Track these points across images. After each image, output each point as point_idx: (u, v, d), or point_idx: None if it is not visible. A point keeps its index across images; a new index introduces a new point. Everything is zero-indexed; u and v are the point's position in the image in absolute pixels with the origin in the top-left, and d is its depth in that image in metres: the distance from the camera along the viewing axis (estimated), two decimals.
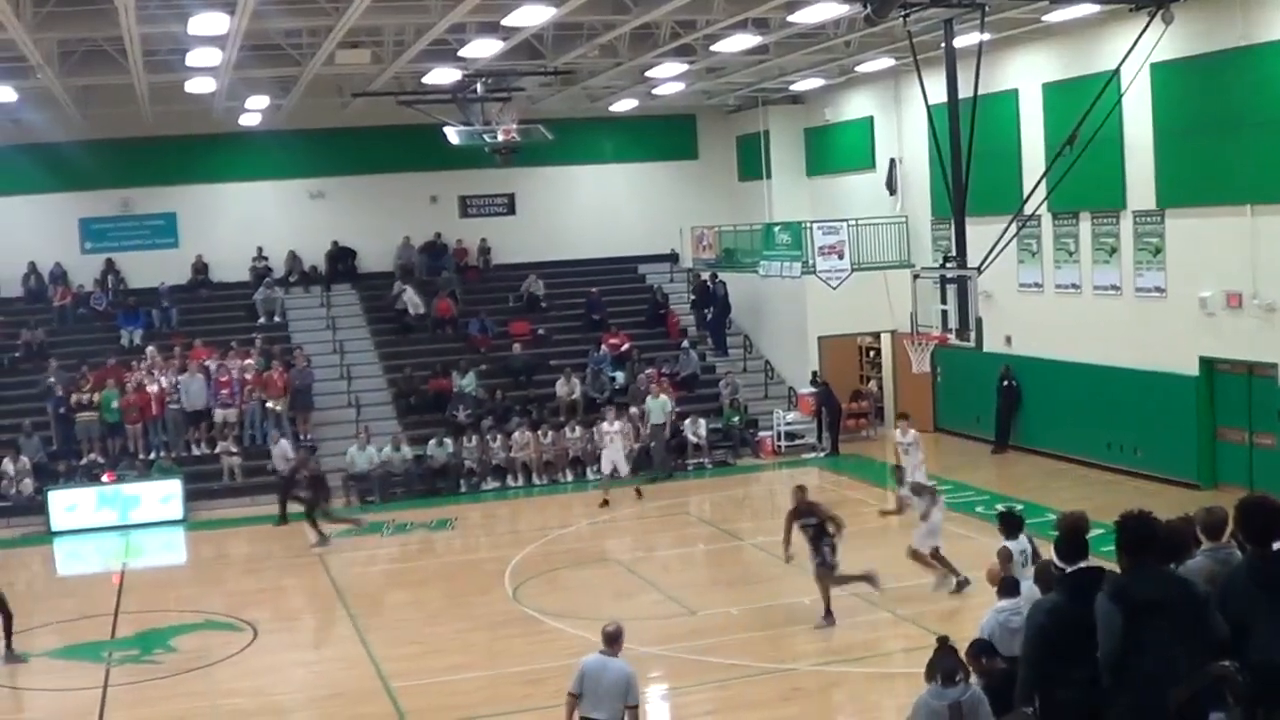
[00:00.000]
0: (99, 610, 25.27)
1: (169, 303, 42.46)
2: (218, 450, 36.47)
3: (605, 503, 32.42)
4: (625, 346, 41.31)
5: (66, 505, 33.35)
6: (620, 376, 39.75)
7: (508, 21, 27.18)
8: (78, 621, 24.64)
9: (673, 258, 47.10)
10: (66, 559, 32.00)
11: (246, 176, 44.16)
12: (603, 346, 41.05)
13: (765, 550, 26.57)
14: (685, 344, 41.80)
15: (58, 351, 39.49)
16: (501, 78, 33.86)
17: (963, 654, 12.57)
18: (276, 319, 42.60)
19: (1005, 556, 16.77)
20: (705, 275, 44.55)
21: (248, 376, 37.63)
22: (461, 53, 30.71)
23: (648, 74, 36.73)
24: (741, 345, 43.45)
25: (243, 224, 44.16)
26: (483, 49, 30.02)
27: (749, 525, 30.56)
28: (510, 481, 36.04)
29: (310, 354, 39.64)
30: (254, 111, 39.17)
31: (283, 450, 33.73)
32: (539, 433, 36.62)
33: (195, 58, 29.24)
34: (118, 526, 33.07)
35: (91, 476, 34.65)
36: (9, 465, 34.56)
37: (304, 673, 21.37)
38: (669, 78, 37.46)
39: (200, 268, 44.05)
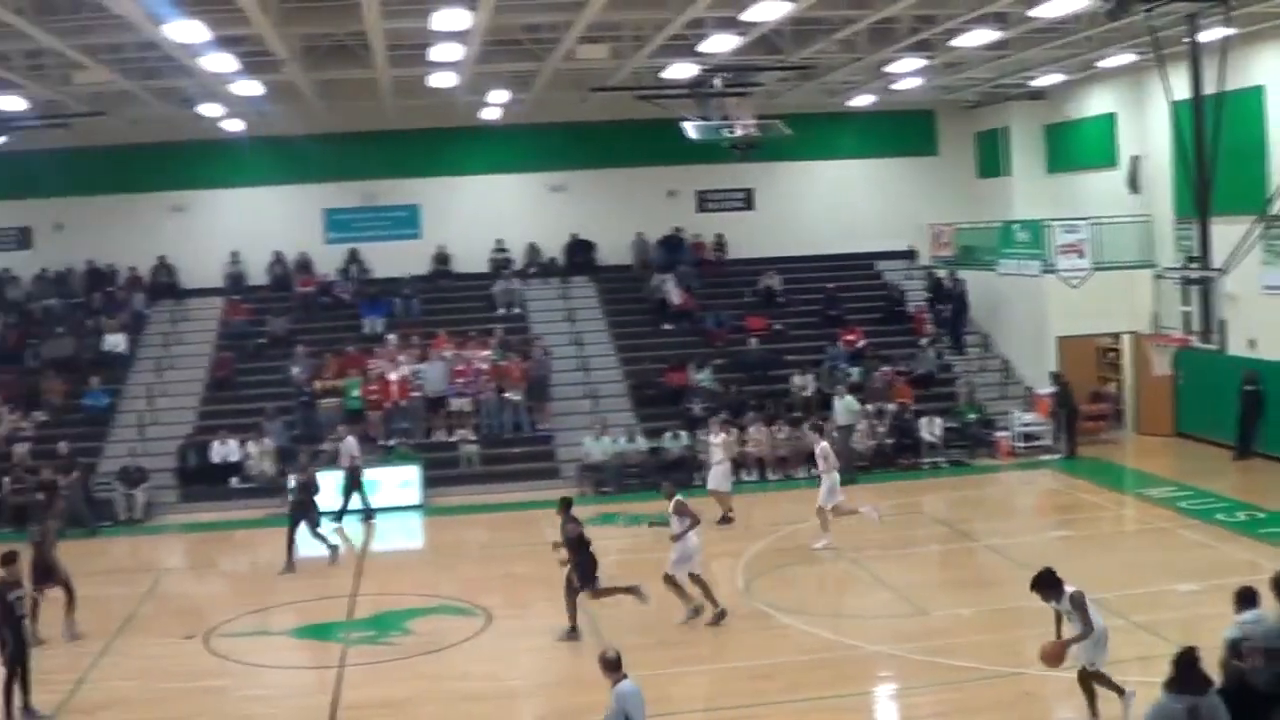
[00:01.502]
0: (337, 592, 25.89)
1: (410, 292, 43.21)
2: (456, 438, 37.02)
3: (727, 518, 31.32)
4: (861, 343, 41.04)
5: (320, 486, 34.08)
6: (856, 373, 39.46)
7: (746, 16, 27.18)
8: (316, 602, 25.19)
9: (910, 254, 46.69)
10: (307, 541, 32.66)
11: (487, 169, 44.86)
12: (838, 343, 40.83)
13: (999, 553, 26.29)
14: (922, 341, 41.38)
15: (302, 339, 40.48)
16: (740, 73, 33.83)
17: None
18: (515, 310, 43.15)
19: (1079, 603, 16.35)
20: (943, 272, 44.13)
21: (485, 366, 38.12)
22: (700, 48, 30.78)
23: (886, 69, 36.48)
24: (979, 343, 42.89)
25: (483, 216, 44.81)
26: (721, 44, 30.05)
27: (983, 526, 30.17)
28: (744, 476, 36.01)
29: (548, 345, 40.08)
30: (495, 105, 39.71)
31: (349, 448, 34.07)
32: (773, 428, 36.54)
33: (437, 52, 29.69)
34: (358, 511, 33.70)
35: (333, 461, 35.34)
36: (253, 447, 35.50)
37: (534, 659, 21.58)
38: (908, 73, 37.13)
39: (441, 258, 44.76)
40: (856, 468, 35.53)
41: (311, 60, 32.03)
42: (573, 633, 22.27)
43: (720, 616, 22.77)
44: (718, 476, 31.38)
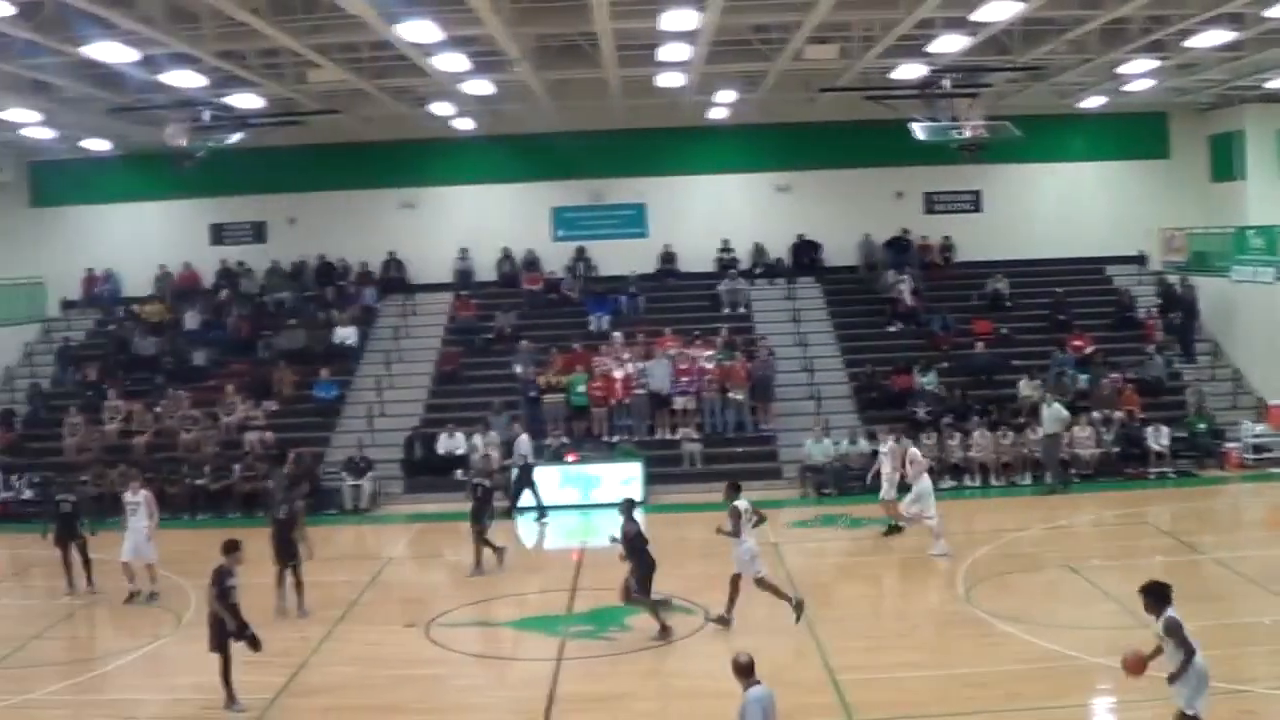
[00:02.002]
0: (558, 585, 26.15)
1: (636, 290, 43.46)
2: (679, 436, 37.12)
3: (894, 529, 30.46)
4: (1089, 349, 40.35)
5: (544, 481, 34.61)
6: (1084, 379, 38.80)
7: (976, 16, 26.94)
8: (537, 595, 25.44)
9: (1140, 259, 45.72)
10: (529, 534, 33.06)
11: (714, 169, 44.93)
12: (1066, 348, 40.20)
13: (1226, 566, 25.69)
14: (1151, 348, 40.55)
15: (528, 335, 40.90)
16: (969, 73, 33.47)
17: None
18: (740, 310, 43.13)
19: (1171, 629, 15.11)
20: (1174, 278, 43.23)
21: (709, 365, 38.17)
22: (929, 48, 30.59)
23: (1118, 70, 35.85)
24: (1209, 351, 41.88)
25: (709, 215, 44.99)
26: (951, 44, 29.81)
27: (1210, 539, 29.38)
28: (967, 481, 35.66)
29: (772, 346, 39.99)
30: (722, 105, 39.77)
31: (521, 446, 34.57)
32: (998, 433, 36.10)
33: (666, 52, 29.85)
34: (579, 505, 34.01)
35: (556, 456, 35.69)
36: (478, 440, 35.89)
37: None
38: (1140, 74, 36.46)
39: (667, 257, 44.94)
40: (1083, 476, 35.09)
41: (542, 60, 32.38)
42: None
43: (725, 622, 23.08)
44: (886, 487, 30.68)
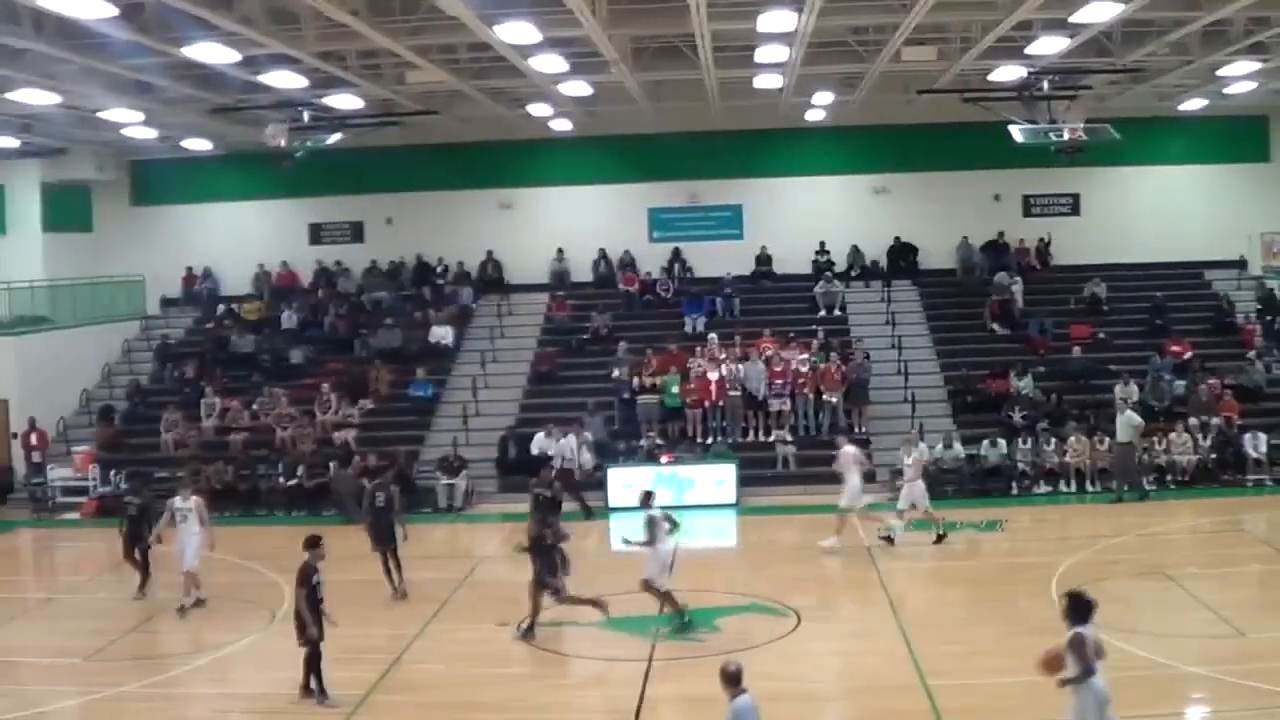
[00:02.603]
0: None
1: (732, 292, 43.47)
2: (773, 439, 37.06)
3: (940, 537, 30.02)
4: (1187, 354, 39.93)
5: (624, 483, 34.54)
6: (1181, 385, 38.39)
7: (1076, 18, 26.79)
8: (628, 595, 25.42)
9: (1240, 264, 45.20)
10: (621, 534, 33.07)
11: (810, 171, 44.89)
12: (1164, 353, 39.79)
13: None
14: (1250, 354, 40.07)
15: (624, 336, 40.99)
16: (1069, 75, 33.28)
17: None
18: (836, 312, 43.03)
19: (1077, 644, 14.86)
20: (1274, 283, 42.72)
21: (804, 368, 38.06)
22: (1028, 50, 30.39)
23: (1218, 73, 35.50)
24: None
25: (806, 218, 44.98)
26: (1050, 46, 29.61)
27: None
28: (1063, 487, 35.38)
29: (868, 349, 39.84)
30: (819, 107, 39.73)
31: (565, 449, 35.06)
32: (1094, 439, 35.77)
33: (764, 54, 29.86)
34: (672, 506, 33.93)
35: (650, 456, 35.73)
36: (572, 440, 35.97)
37: (842, 662, 21.50)
38: (1240, 76, 36.09)
39: (763, 259, 44.93)
40: (1179, 482, 34.80)
41: (639, 61, 32.45)
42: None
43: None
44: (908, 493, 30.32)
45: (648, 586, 23.56)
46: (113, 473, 37.28)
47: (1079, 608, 15.03)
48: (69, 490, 37.10)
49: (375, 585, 25.86)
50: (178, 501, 26.04)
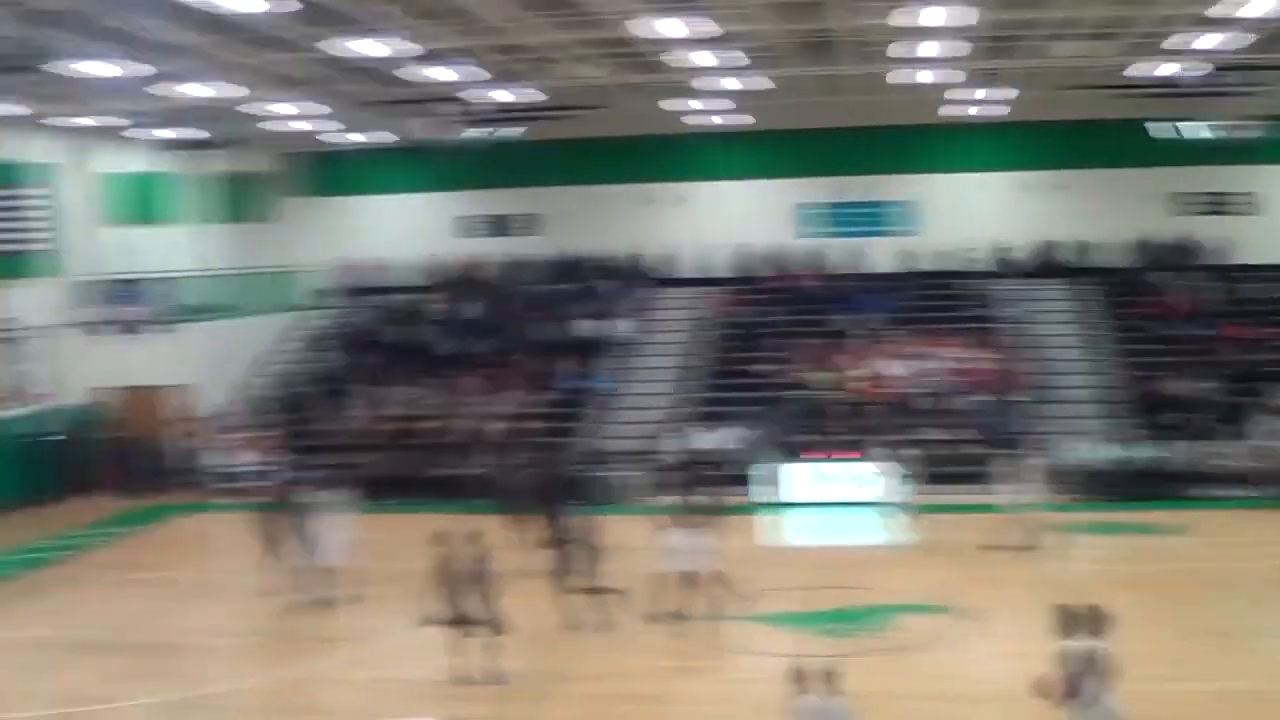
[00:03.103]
0: (822, 583, 26.16)
1: (897, 290, 43.43)
2: (949, 437, 36.67)
3: None
4: None
5: (789, 480, 34.63)
6: None
7: (1244, 12, 26.31)
8: (801, 591, 25.43)
9: None
10: (797, 530, 33.03)
11: (978, 167, 45.21)
12: None
13: None
14: None
15: (789, 331, 41.27)
16: (1249, 72, 32.64)
17: None
18: (1008, 310, 42.52)
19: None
20: None
21: (976, 366, 37.72)
22: (1205, 45, 29.91)
23: None
24: None
25: (976, 213, 45.10)
26: (1230, 42, 29.12)
27: None
28: (1242, 491, 34.51)
29: (1042, 347, 39.93)
30: (985, 102, 39.39)
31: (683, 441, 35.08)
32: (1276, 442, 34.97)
33: (925, 49, 29.69)
34: (848, 503, 33.90)
35: (828, 453, 35.55)
36: (734, 435, 36.02)
37: (1008, 665, 21.16)
38: None
39: (933, 256, 44.62)
40: None
41: (798, 56, 32.28)
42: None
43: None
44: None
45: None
46: (288, 459, 37.85)
47: (1069, 621, 15.06)
48: (243, 475, 37.70)
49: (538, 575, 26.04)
50: (329, 495, 26.28)
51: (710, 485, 30.96)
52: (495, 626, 20.37)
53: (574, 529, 24.64)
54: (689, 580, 23.54)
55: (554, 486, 29.68)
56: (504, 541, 24.74)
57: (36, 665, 22.32)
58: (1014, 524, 28.63)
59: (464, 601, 20.40)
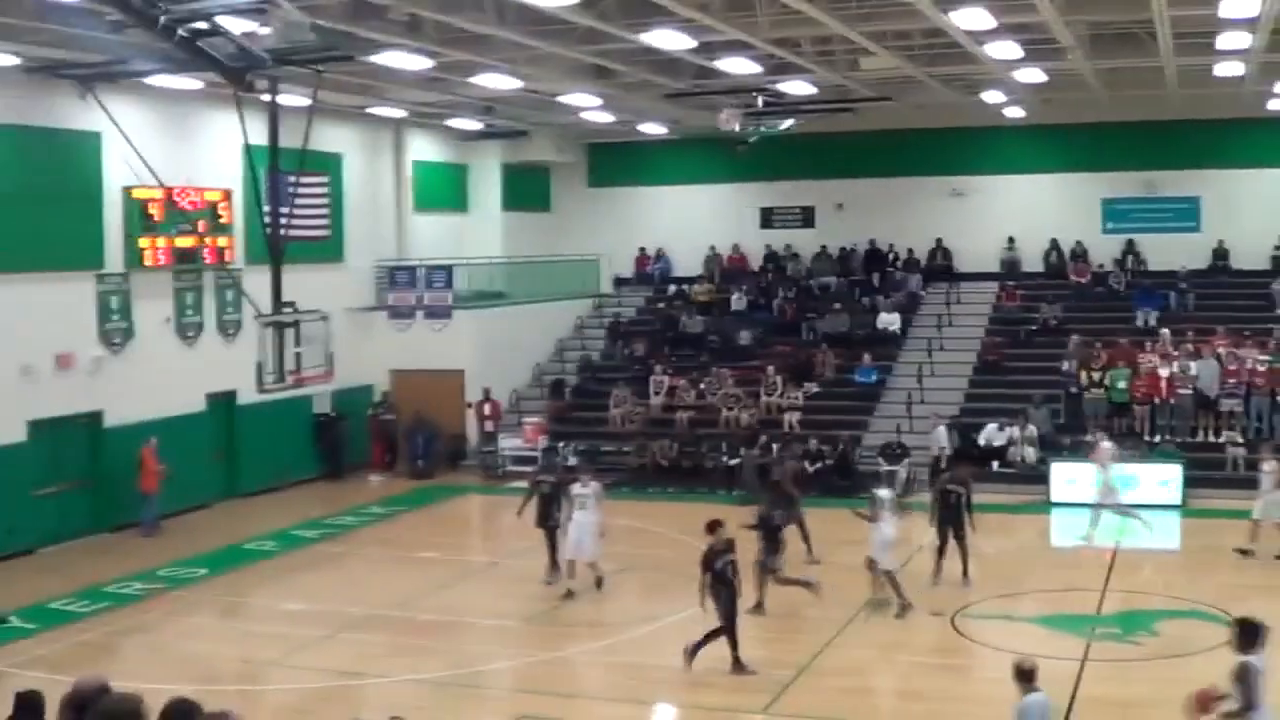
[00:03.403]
0: (1087, 585, 25.61)
1: (1186, 286, 42.19)
2: (1223, 439, 35.84)
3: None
4: None
5: (1067, 478, 33.97)
6: None
7: None
8: (1065, 593, 25.08)
9: None
10: (1062, 530, 32.54)
11: (1271, 163, 42.91)
12: None
13: None
14: None
15: (1074, 328, 40.20)
16: None
17: None
18: None
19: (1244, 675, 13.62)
20: None
21: (1259, 368, 36.69)
22: None
23: None
24: None
25: (1265, 211, 43.03)
26: None
27: None
28: None
29: None
30: None
31: (939, 438, 34.91)
32: None
33: (1225, 41, 28.86)
34: (1115, 505, 33.27)
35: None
36: (1016, 432, 35.57)
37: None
38: None
39: (1220, 253, 43.50)
40: None
41: (1096, 48, 31.74)
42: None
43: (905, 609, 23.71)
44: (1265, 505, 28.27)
45: (870, 565, 24.17)
46: (561, 444, 38.45)
47: (1249, 634, 14.07)
48: (518, 459, 38.40)
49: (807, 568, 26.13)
50: (577, 488, 25.96)
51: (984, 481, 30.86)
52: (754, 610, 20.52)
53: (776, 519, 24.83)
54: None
55: (782, 478, 29.72)
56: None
57: (305, 639, 22.99)
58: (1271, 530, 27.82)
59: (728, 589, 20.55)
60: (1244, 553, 27.86)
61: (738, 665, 20.19)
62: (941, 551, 26.16)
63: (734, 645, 20.28)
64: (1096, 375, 37.31)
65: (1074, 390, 37.65)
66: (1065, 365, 38.19)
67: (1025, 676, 14.16)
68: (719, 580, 20.32)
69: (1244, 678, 13.66)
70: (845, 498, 33.78)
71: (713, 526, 20.94)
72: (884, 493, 25.26)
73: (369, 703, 19.38)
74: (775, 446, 35.86)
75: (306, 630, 23.47)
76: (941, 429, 35.54)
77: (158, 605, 25.49)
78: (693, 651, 20.29)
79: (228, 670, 21.43)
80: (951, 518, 26.21)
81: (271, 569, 28.83)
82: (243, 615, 25.74)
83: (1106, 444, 31.11)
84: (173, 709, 8.68)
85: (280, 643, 22.72)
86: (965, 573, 25.99)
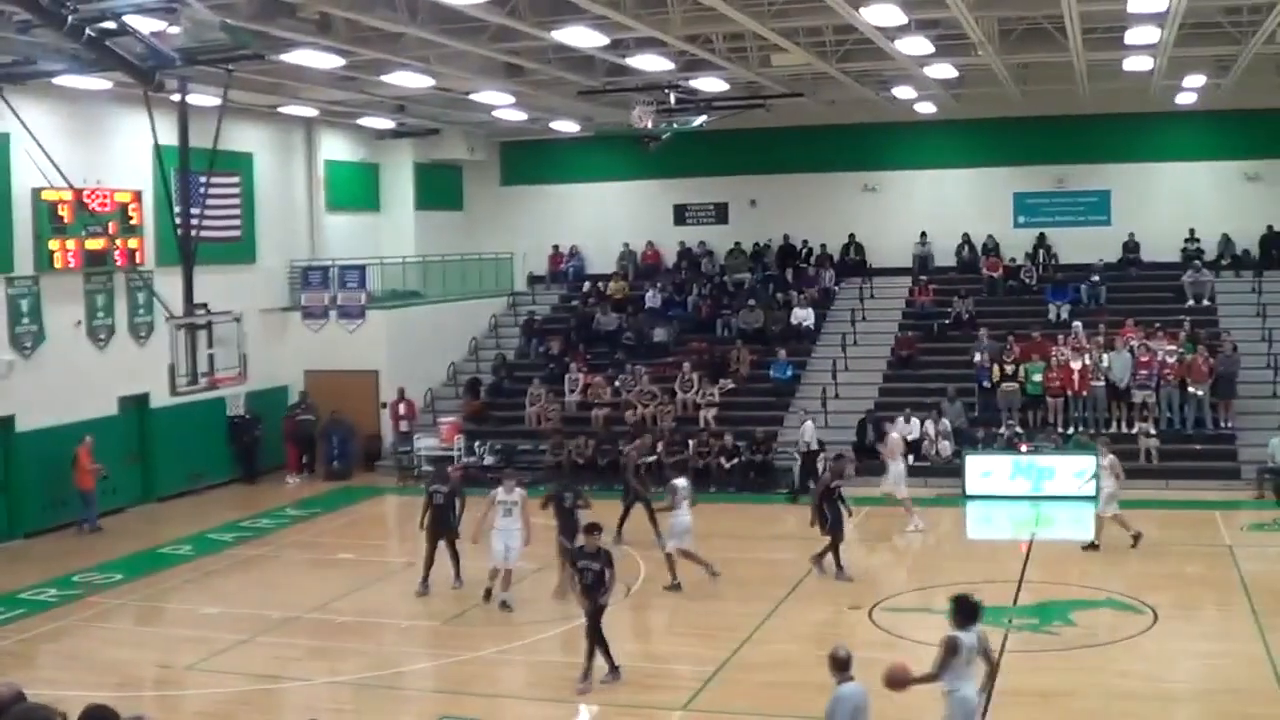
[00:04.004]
0: (1003, 576, 25.81)
1: (1098, 279, 42.52)
2: (1135, 431, 36.16)
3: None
4: None
5: (982, 471, 34.31)
6: None
7: None
8: (982, 584, 25.17)
9: None
10: (976, 523, 32.79)
11: (1180, 156, 43.44)
12: None
13: None
14: None
15: (985, 322, 40.48)
16: None
17: None
18: (1205, 303, 41.63)
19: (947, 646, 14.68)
20: None
21: (1171, 360, 37.05)
22: None
23: None
24: None
25: (1174, 204, 43.54)
26: None
27: None
28: None
29: (1237, 340, 38.46)
30: (1190, 90, 38.53)
31: (806, 432, 35.13)
32: None
33: (1133, 35, 29.11)
34: (1029, 496, 33.57)
35: (1009, 445, 35.25)
36: (930, 427, 35.78)
37: (1197, 664, 20.87)
38: None
39: (1131, 247, 43.88)
40: None
41: (1006, 43, 31.98)
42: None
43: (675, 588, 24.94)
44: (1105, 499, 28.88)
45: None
46: (477, 444, 38.39)
47: (964, 611, 15.05)
48: (434, 460, 38.26)
49: (727, 564, 26.20)
50: (501, 493, 24.89)
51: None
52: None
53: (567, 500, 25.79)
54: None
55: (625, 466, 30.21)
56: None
57: (223, 643, 22.81)
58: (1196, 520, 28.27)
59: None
60: (1092, 547, 28.42)
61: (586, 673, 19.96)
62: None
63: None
64: (1010, 368, 37.59)
65: (987, 383, 37.86)
66: (977, 358, 38.44)
67: (840, 665, 14.26)
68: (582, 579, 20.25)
69: (945, 647, 14.70)
70: (762, 493, 34.09)
71: (589, 529, 21.02)
72: (681, 482, 25.95)
73: (289, 706, 19.30)
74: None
75: (225, 634, 23.26)
76: (809, 423, 35.63)
77: (74, 611, 25.21)
78: None
79: (146, 676, 21.32)
80: (836, 513, 26.82)
81: (188, 573, 28.55)
82: (160, 620, 25.51)
83: (895, 434, 32.47)
84: (90, 716, 8.59)
85: (198, 647, 22.50)
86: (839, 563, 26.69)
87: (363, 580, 27.50)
